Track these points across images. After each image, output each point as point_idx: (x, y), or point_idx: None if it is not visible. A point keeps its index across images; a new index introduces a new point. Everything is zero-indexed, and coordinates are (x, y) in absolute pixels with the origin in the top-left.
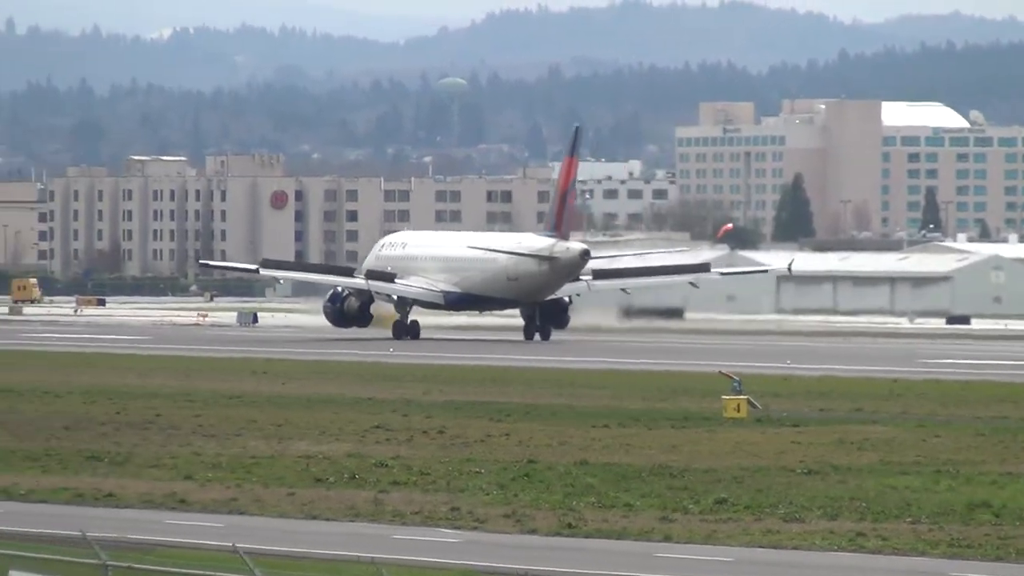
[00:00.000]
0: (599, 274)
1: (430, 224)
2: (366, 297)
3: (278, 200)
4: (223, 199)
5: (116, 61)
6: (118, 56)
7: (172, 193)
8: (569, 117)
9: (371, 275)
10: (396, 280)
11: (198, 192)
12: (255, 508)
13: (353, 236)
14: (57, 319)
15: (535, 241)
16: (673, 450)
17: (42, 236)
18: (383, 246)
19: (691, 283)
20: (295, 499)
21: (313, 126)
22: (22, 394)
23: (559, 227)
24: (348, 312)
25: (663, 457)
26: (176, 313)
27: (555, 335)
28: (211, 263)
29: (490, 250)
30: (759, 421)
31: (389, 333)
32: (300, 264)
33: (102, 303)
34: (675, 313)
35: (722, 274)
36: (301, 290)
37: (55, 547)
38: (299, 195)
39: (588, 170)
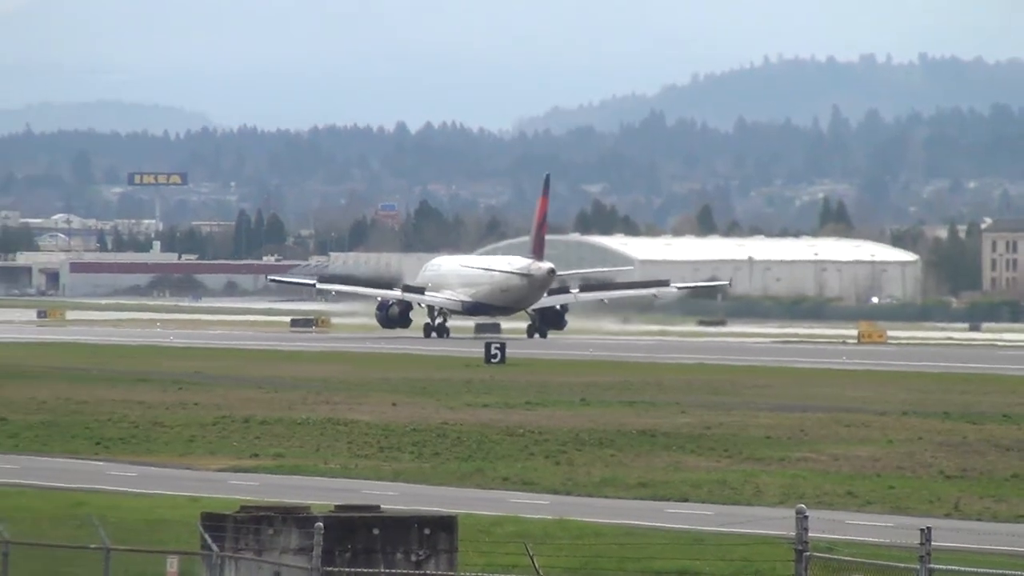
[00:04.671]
0: (584, 288)
1: None
2: (405, 305)
3: None
4: None
5: None
6: None
7: None
8: None
9: (406, 288)
10: (426, 292)
11: None
12: None
13: None
14: None
15: (519, 262)
16: None
17: None
18: (426, 268)
19: (654, 295)
20: None
21: None
22: None
23: (536, 251)
24: (391, 317)
25: None
26: None
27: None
28: (278, 278)
29: (490, 269)
30: None
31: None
32: (351, 278)
33: None
34: None
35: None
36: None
37: None
38: None
39: None
